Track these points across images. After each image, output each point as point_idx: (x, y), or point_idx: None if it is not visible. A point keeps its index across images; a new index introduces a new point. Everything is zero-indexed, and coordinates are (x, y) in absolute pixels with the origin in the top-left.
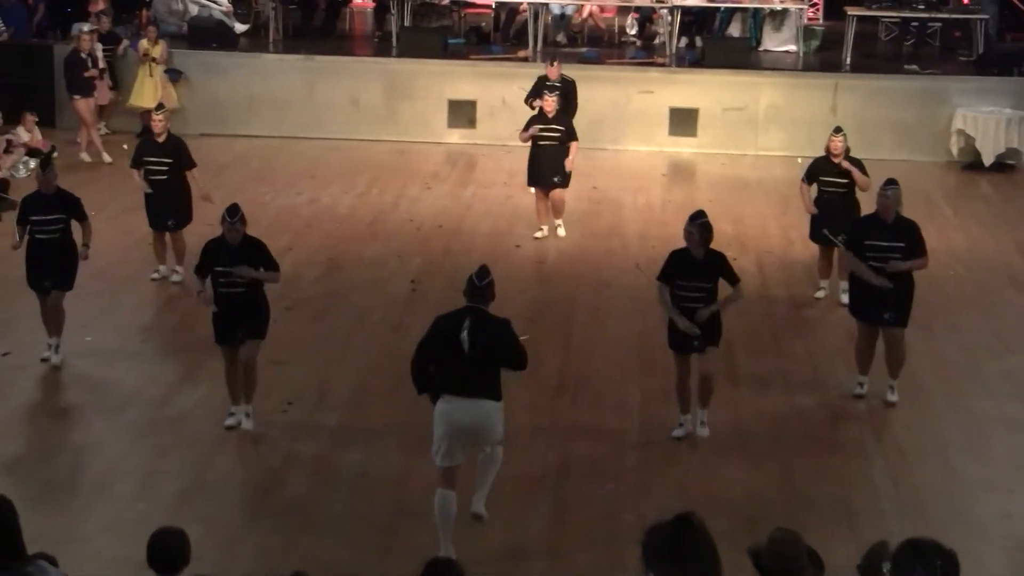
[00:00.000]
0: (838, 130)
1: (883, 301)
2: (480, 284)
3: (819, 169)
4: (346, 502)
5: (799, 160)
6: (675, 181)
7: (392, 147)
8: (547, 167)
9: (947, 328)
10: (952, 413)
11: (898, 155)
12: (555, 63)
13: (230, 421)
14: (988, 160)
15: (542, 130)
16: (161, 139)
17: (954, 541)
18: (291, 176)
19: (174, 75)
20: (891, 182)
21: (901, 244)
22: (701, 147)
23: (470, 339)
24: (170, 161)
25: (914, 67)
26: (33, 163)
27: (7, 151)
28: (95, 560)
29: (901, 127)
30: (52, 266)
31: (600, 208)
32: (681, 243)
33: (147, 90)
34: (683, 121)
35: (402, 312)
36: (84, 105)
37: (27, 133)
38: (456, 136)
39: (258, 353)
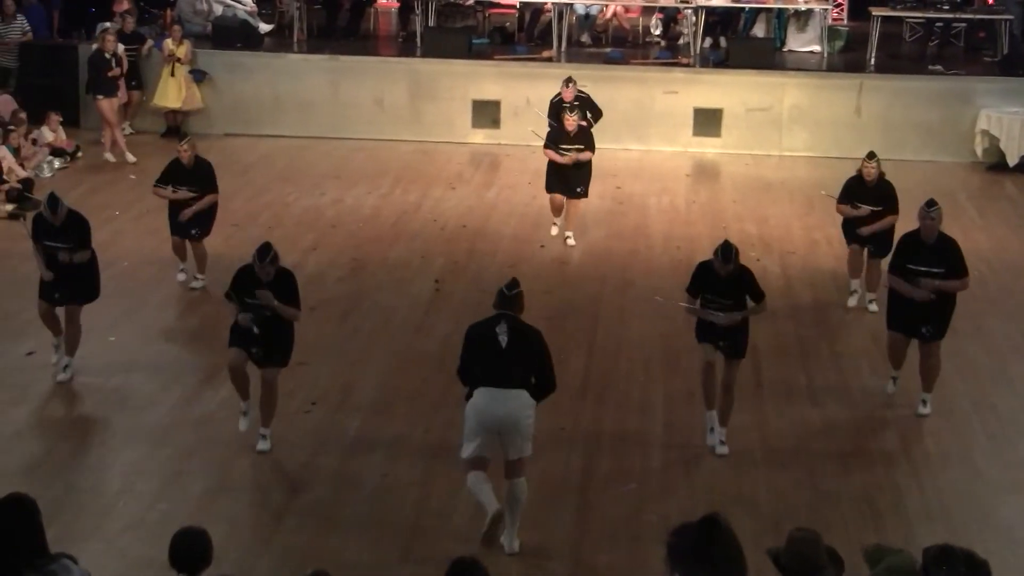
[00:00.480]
0: (871, 156)
1: (924, 316)
2: (510, 294)
3: (853, 192)
4: (369, 504)
5: (823, 192)
6: (699, 181)
7: (416, 147)
8: (571, 178)
9: (973, 330)
10: (977, 415)
11: (922, 156)
12: (570, 85)
13: (243, 424)
14: (1013, 161)
15: (565, 149)
16: (189, 165)
17: (979, 544)
18: (316, 176)
19: (198, 75)
20: (932, 203)
21: (942, 269)
22: (725, 147)
23: (507, 337)
24: (198, 188)
25: (938, 67)
26: (58, 163)
27: (32, 151)
28: (118, 560)
29: (925, 128)
30: (66, 282)
31: (624, 208)
32: (708, 241)
33: (171, 90)
34: (707, 121)
35: (426, 312)
36: (107, 105)
37: (51, 133)
38: (480, 136)
39: (278, 378)
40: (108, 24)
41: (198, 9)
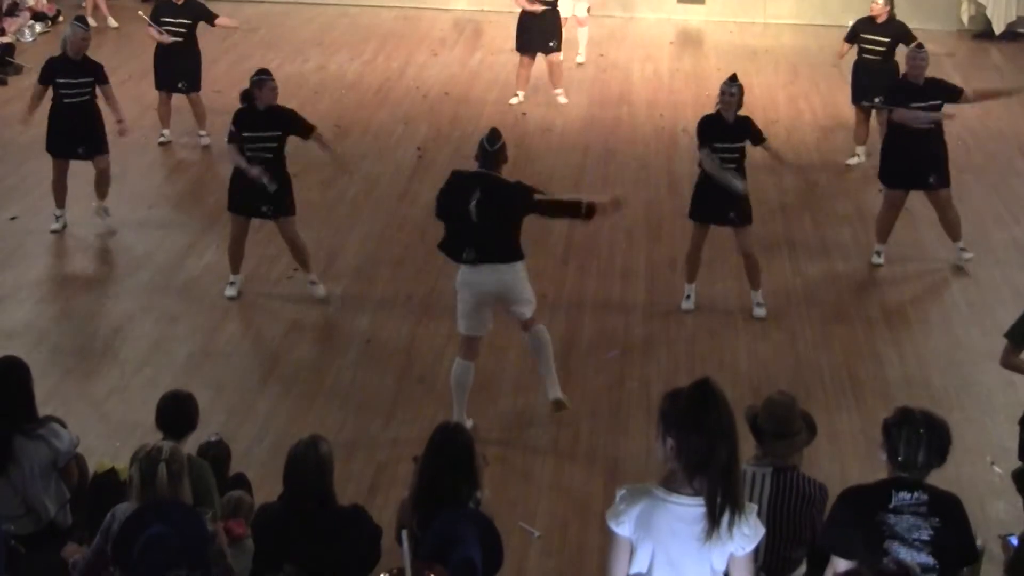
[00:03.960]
0: None
1: (925, 165)
2: (491, 149)
3: (861, 28)
4: (353, 368)
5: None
6: (683, 49)
7: (399, 13)
8: (540, 32)
9: (956, 198)
10: (958, 282)
11: (909, 24)
12: None
13: (230, 292)
14: (999, 29)
15: None
16: (180, 1)
17: (958, 411)
18: (298, 43)
19: None
20: (920, 46)
21: (937, 103)
22: (710, 15)
23: (478, 210)
24: (188, 22)
25: None
26: (39, 27)
27: (12, 15)
28: (104, 423)
29: None
30: (82, 131)
31: (608, 76)
32: (691, 110)
33: None
34: None
35: (409, 179)
36: None
37: None
38: (463, 2)
39: (295, 224)
40: None
41: None
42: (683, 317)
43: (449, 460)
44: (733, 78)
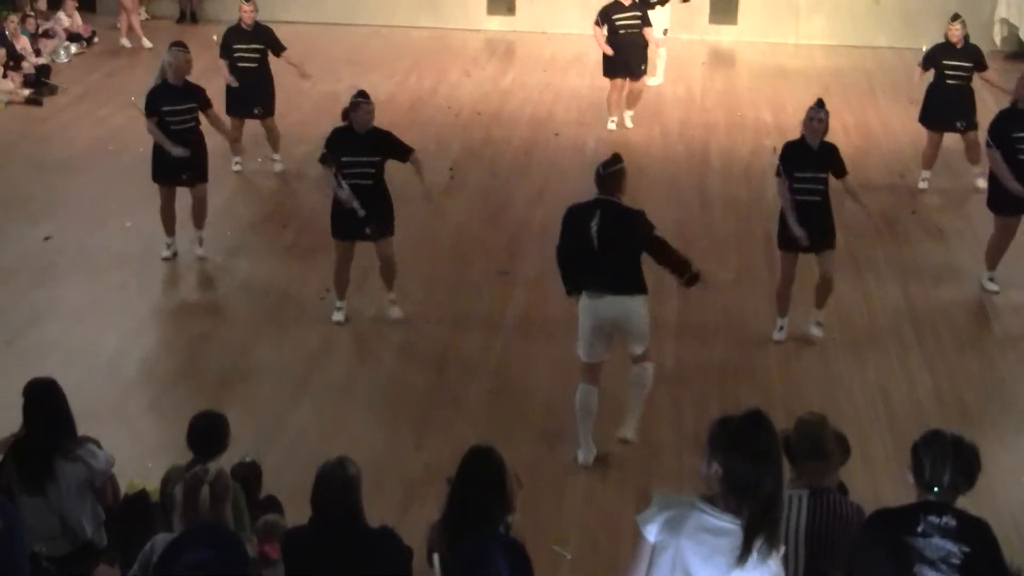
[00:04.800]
0: (955, 17)
1: None
2: (605, 172)
3: (940, 54)
4: (384, 389)
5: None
6: (715, 69)
7: (432, 34)
8: (630, 56)
9: (988, 221)
10: (991, 304)
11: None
12: None
13: (337, 317)
14: None
15: (620, 20)
16: (249, 27)
17: (992, 432)
18: (331, 62)
19: None
20: None
21: None
22: (741, 35)
23: (598, 234)
24: (260, 47)
25: None
26: (74, 48)
27: (48, 36)
28: (137, 443)
29: (945, 16)
30: (188, 158)
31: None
32: (723, 129)
33: None
34: (724, 8)
35: (441, 198)
36: None
37: (68, 18)
38: (496, 23)
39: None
40: None
41: None
42: (713, 339)
43: (480, 483)
44: (820, 103)
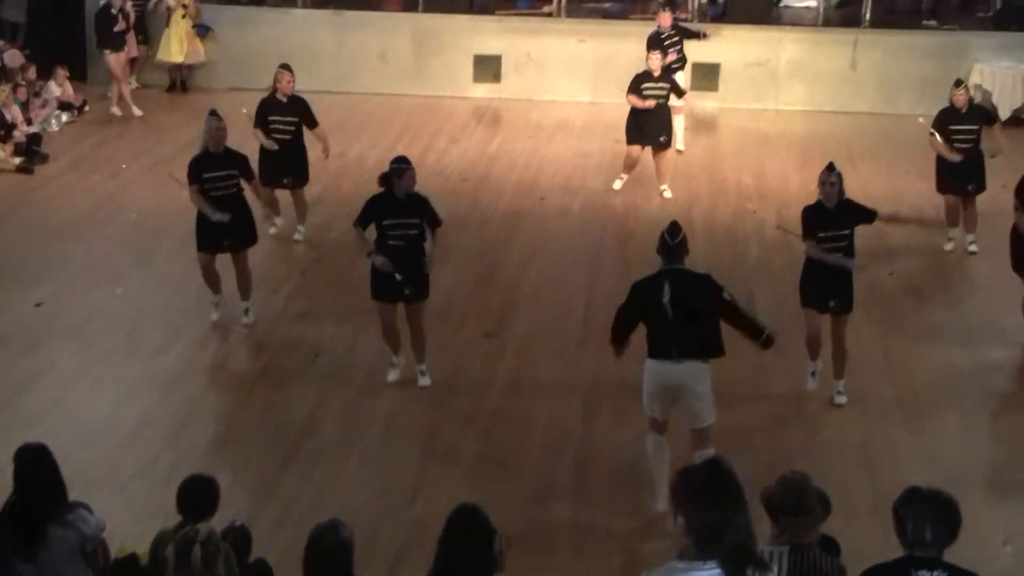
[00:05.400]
0: (959, 83)
1: None
2: (673, 243)
3: (947, 119)
4: (375, 450)
5: (920, 120)
6: (697, 134)
7: (419, 101)
8: (653, 126)
9: (965, 277)
10: (970, 364)
11: (918, 109)
12: (665, 10)
13: (392, 376)
14: (1005, 114)
15: (648, 88)
16: (286, 99)
17: (973, 490)
18: (324, 128)
19: (203, 30)
20: None
21: None
22: (723, 101)
23: (672, 303)
24: (295, 120)
25: (932, 22)
26: (66, 116)
27: (39, 105)
28: (128, 507)
29: (920, 82)
30: (229, 224)
31: (623, 160)
32: (705, 191)
33: (174, 44)
34: (706, 75)
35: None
36: (114, 59)
37: (58, 87)
38: (482, 90)
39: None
40: None
41: None
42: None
43: (466, 543)
44: (831, 166)
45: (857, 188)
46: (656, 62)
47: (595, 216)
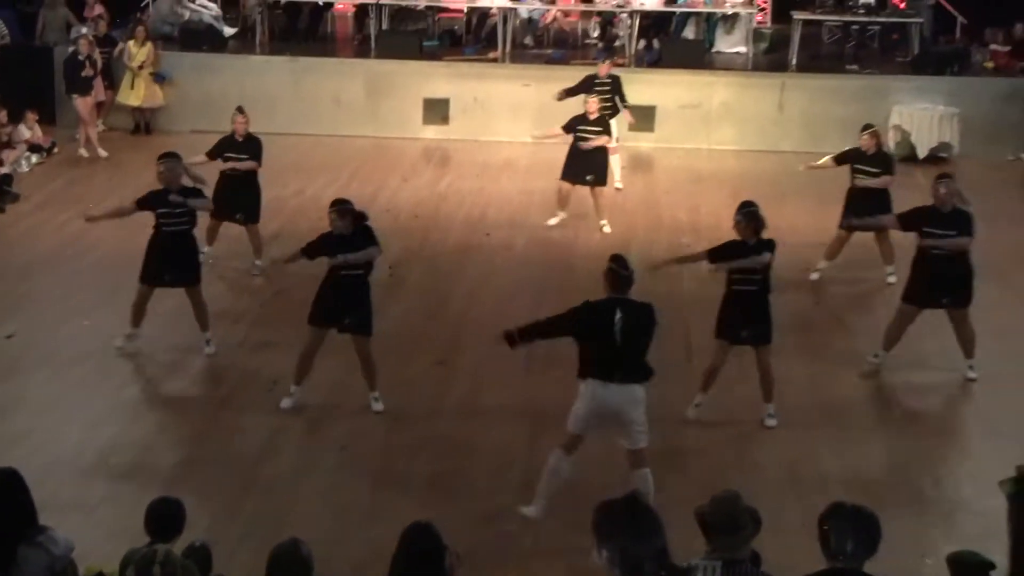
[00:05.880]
0: (866, 127)
1: (943, 286)
2: (627, 273)
3: (853, 158)
4: (331, 473)
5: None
6: (635, 172)
7: (372, 142)
8: (584, 165)
9: (886, 307)
10: (901, 384)
11: (841, 149)
12: (607, 61)
13: (287, 403)
14: (922, 153)
15: (582, 130)
16: (242, 138)
17: (892, 507)
18: (279, 169)
19: (160, 77)
20: (945, 176)
21: (953, 232)
22: (659, 141)
23: (622, 330)
24: (246, 158)
25: (855, 67)
26: (35, 158)
27: (10, 147)
28: (97, 529)
29: (843, 123)
30: (176, 260)
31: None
32: (642, 226)
33: (132, 89)
34: (642, 117)
35: (382, 296)
36: (82, 103)
37: (28, 130)
38: (431, 132)
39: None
40: (84, 29)
41: (168, 13)
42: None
43: (418, 559)
44: (742, 205)
45: (783, 224)
46: (594, 106)
47: (538, 250)
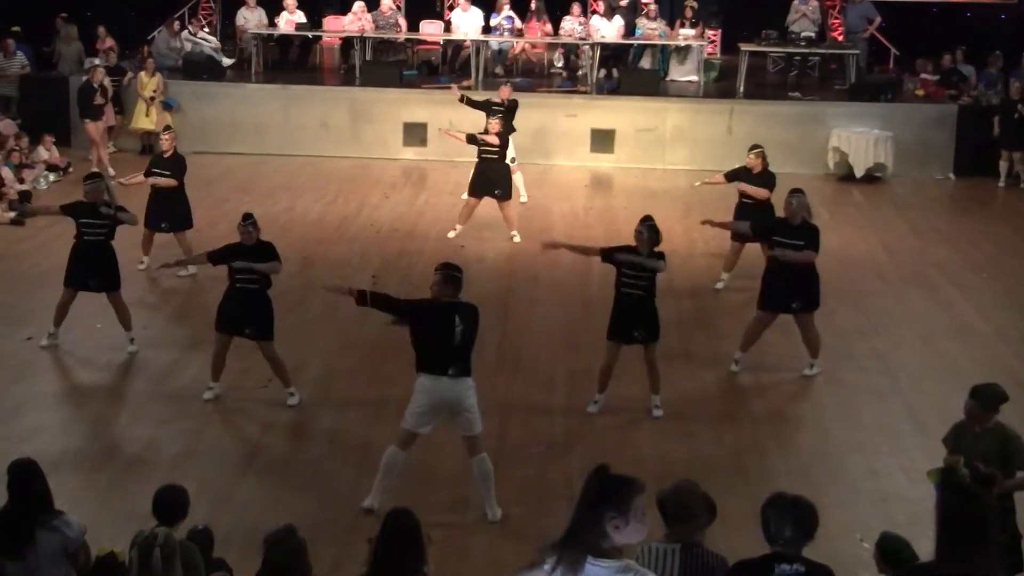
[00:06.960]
0: (753, 147)
1: (792, 293)
2: (460, 275)
3: (740, 176)
4: (318, 464)
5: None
6: (595, 191)
7: (355, 163)
8: (489, 181)
9: (824, 315)
10: (828, 386)
11: (784, 169)
12: (507, 85)
13: (208, 395)
14: (859, 173)
15: (486, 148)
16: (168, 155)
17: (830, 496)
18: (269, 188)
19: (167, 105)
20: (797, 191)
21: (800, 243)
22: (618, 162)
23: (462, 332)
24: (168, 174)
25: (797, 94)
26: (52, 177)
27: (30, 167)
28: (107, 512)
29: (786, 145)
30: (98, 267)
31: (531, 214)
32: (602, 241)
33: (144, 116)
34: (602, 140)
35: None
36: (94, 127)
37: (46, 152)
38: (410, 153)
39: (274, 347)
40: (96, 60)
41: (171, 46)
42: (594, 418)
43: (399, 540)
44: (643, 219)
45: (726, 236)
46: (494, 127)
47: (506, 262)
